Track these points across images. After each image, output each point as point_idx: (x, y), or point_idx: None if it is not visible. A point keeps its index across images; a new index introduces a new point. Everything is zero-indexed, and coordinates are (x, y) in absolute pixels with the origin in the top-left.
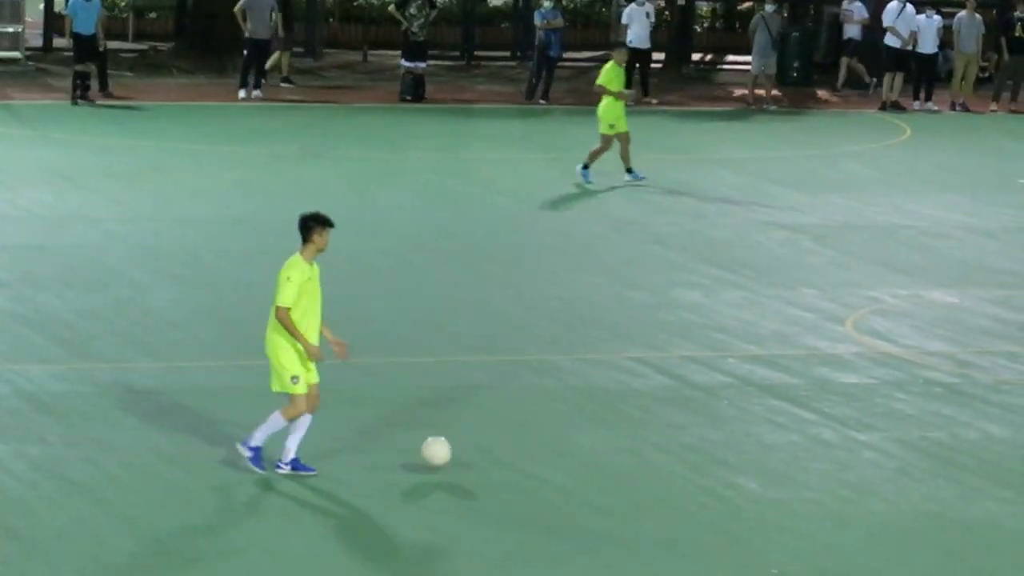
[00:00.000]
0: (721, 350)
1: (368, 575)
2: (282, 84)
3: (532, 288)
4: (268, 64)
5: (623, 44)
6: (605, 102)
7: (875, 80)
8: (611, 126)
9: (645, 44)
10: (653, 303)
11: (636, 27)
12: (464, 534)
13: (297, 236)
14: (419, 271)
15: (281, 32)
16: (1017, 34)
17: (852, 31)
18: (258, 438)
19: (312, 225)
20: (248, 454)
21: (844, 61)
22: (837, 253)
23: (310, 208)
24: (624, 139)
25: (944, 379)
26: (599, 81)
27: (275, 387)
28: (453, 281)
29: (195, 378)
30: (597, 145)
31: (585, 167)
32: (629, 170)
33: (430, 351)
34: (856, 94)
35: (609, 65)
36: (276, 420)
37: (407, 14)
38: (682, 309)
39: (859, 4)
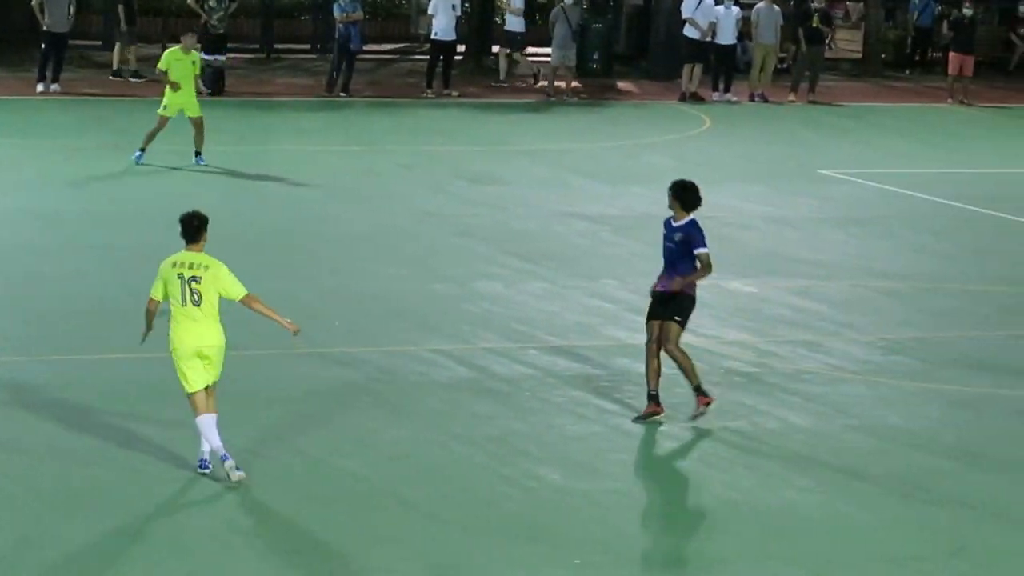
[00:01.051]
0: (523, 341)
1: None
2: (131, 79)
3: (335, 280)
4: (115, 62)
5: (193, 32)
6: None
7: (539, 70)
8: (164, 107)
9: (450, 36)
10: (456, 294)
11: (441, 18)
12: (262, 526)
13: (88, 226)
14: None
15: (124, 26)
16: (814, 25)
17: (513, 23)
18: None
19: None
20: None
21: (501, 52)
22: (638, 244)
23: (106, 201)
24: (196, 123)
25: (744, 368)
26: (159, 66)
27: (216, 376)
28: (253, 273)
29: (32, 371)
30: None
31: (141, 150)
32: (197, 153)
33: (230, 344)
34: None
35: (169, 50)
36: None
37: (206, 7)
38: (485, 300)
39: None
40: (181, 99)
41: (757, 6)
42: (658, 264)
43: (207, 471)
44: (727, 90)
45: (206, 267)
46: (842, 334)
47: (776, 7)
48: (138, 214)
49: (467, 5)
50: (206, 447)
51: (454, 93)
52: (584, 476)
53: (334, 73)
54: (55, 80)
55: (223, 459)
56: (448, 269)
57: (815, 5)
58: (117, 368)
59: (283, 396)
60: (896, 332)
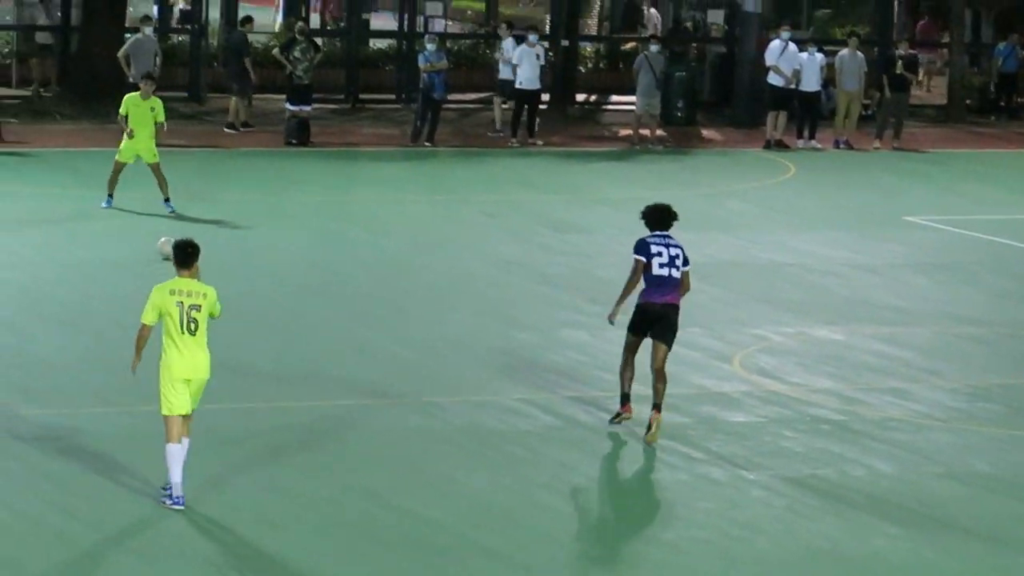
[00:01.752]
0: (608, 390)
1: None
2: (241, 129)
3: (418, 329)
4: (232, 115)
5: (151, 76)
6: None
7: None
8: (121, 152)
9: (535, 85)
10: (540, 343)
11: (526, 67)
12: (350, 574)
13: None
14: (303, 313)
15: (249, 79)
16: (898, 71)
17: (506, 72)
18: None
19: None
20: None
21: (496, 100)
22: (723, 291)
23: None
24: (155, 169)
25: (831, 416)
26: (120, 111)
27: (196, 405)
28: (338, 323)
29: (82, 424)
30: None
31: (109, 195)
32: (166, 200)
33: (313, 394)
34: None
35: (128, 96)
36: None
37: (291, 57)
38: (569, 349)
39: (511, 42)
40: (137, 145)
41: (841, 53)
42: (744, 310)
43: (179, 506)
44: (811, 137)
45: (204, 295)
46: (928, 381)
47: (860, 54)
48: (229, 265)
49: (551, 54)
50: (178, 477)
51: (538, 142)
52: (670, 524)
53: (419, 123)
54: None
55: (168, 492)
56: (531, 318)
57: (899, 52)
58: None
59: (366, 445)
60: (982, 378)
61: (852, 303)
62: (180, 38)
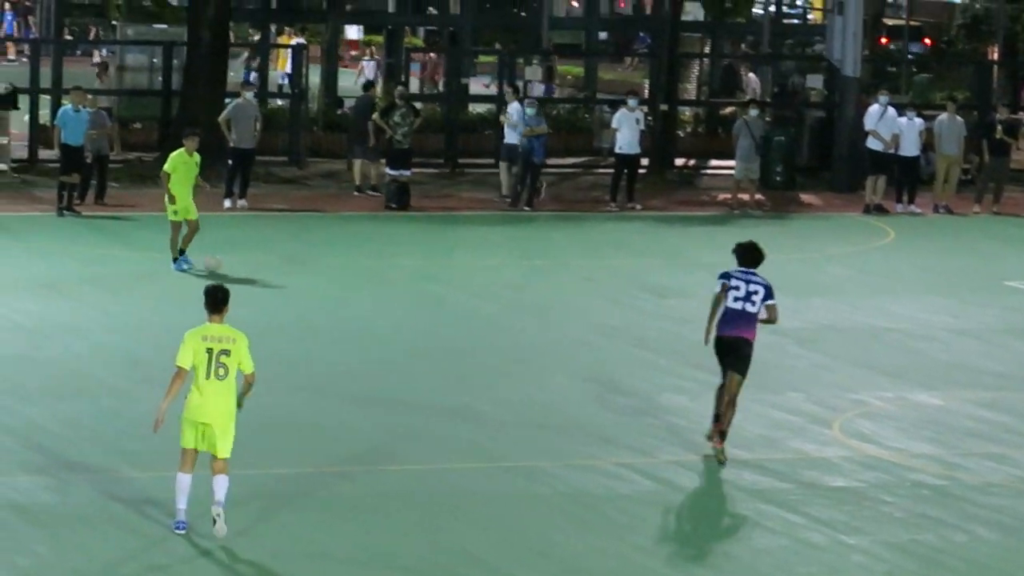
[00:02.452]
0: (709, 454)
1: None
2: (369, 192)
3: (518, 393)
4: (357, 178)
5: (196, 134)
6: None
7: (544, 183)
8: (175, 212)
9: (634, 149)
10: (639, 407)
11: (626, 131)
12: None
13: (278, 340)
14: (404, 377)
15: (371, 143)
16: (998, 136)
17: (512, 136)
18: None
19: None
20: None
21: (503, 166)
22: (822, 356)
23: (294, 316)
24: (192, 226)
25: (931, 481)
26: (165, 168)
27: (226, 452)
28: (438, 387)
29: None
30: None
31: (175, 259)
32: (182, 252)
33: (415, 458)
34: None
35: (176, 153)
36: (227, 480)
37: (391, 122)
38: (668, 413)
39: (517, 106)
40: (183, 203)
41: (940, 117)
42: (844, 375)
43: (181, 530)
44: (911, 202)
45: (234, 340)
46: None
47: (959, 118)
48: (328, 329)
49: (650, 119)
50: (182, 505)
51: (637, 206)
52: None
53: (518, 187)
54: (242, 196)
55: (179, 525)
56: (630, 382)
57: (999, 116)
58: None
59: (465, 507)
60: None
61: (951, 368)
62: (280, 103)
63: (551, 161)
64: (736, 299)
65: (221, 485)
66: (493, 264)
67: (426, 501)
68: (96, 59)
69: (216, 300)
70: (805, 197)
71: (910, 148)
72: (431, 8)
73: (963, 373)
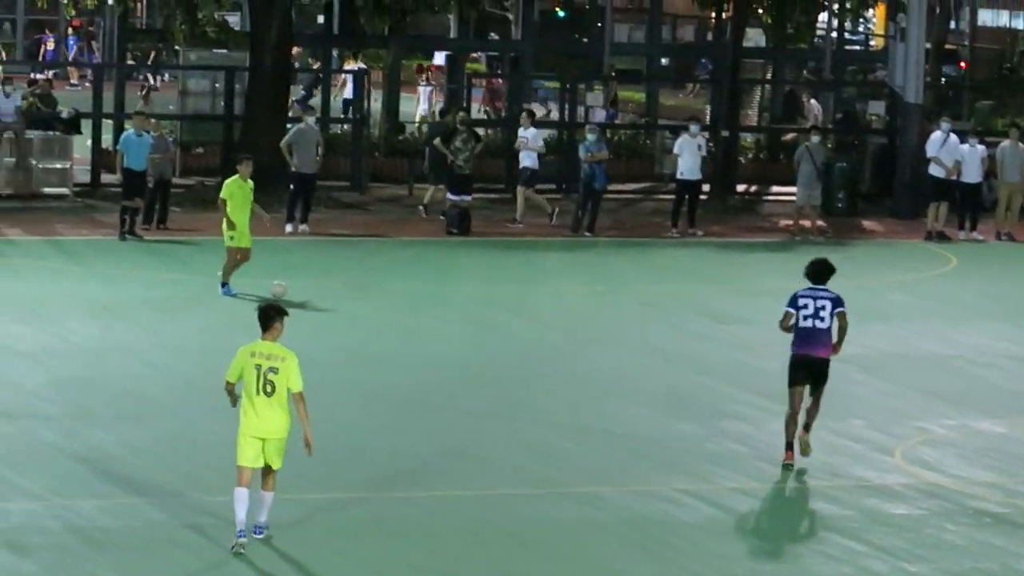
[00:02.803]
0: (770, 481)
1: None
2: (441, 216)
3: (578, 419)
4: (426, 199)
5: (249, 159)
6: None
7: (556, 209)
8: (231, 237)
9: (695, 175)
10: (700, 434)
11: (687, 157)
12: None
13: (340, 365)
14: (464, 402)
15: (445, 165)
16: None
17: (527, 159)
18: (267, 516)
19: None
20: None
21: (520, 191)
22: (884, 383)
23: (356, 341)
24: (244, 255)
25: (993, 509)
26: (221, 195)
27: (278, 463)
28: (499, 412)
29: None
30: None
31: (224, 283)
32: (224, 284)
33: (477, 484)
34: (896, 225)
35: (231, 179)
36: (271, 497)
37: (452, 147)
38: (729, 440)
39: (533, 131)
40: (241, 229)
41: (1002, 144)
42: (906, 402)
43: (242, 538)
44: (973, 229)
45: (283, 359)
46: None
47: (1022, 145)
48: (389, 354)
49: (711, 145)
50: (241, 515)
51: (699, 232)
52: None
53: (579, 212)
54: (304, 221)
55: (239, 534)
56: (691, 408)
57: None
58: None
59: (524, 533)
60: None
61: (1013, 395)
62: (342, 128)
63: (612, 187)
64: (806, 317)
65: (267, 504)
66: (554, 290)
67: (485, 526)
68: (149, 83)
69: (267, 318)
70: (867, 224)
71: (972, 175)
72: (492, 34)
73: None
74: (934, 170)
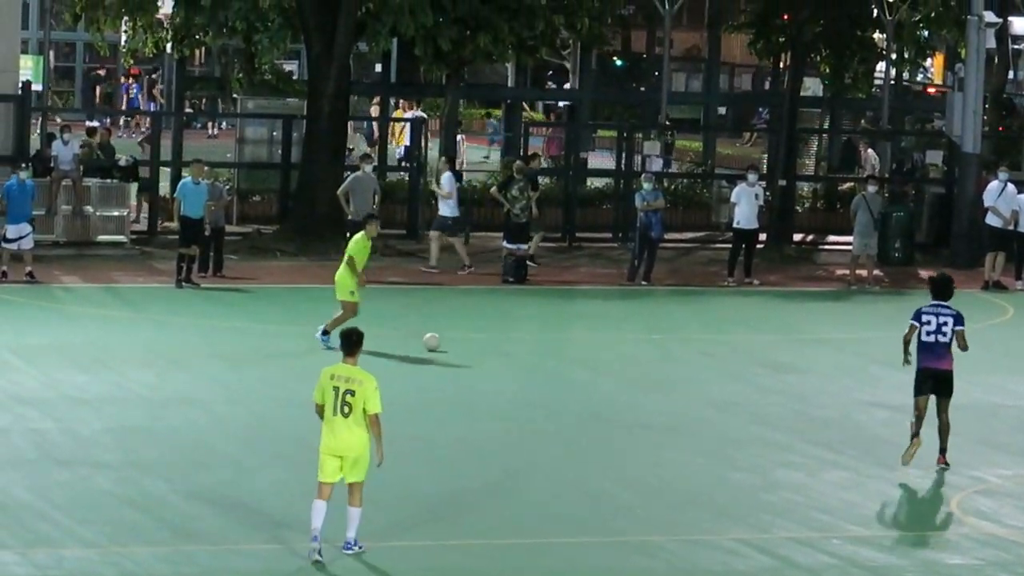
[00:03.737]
0: (825, 531)
1: None
2: (531, 263)
3: (634, 468)
4: (531, 248)
5: (375, 218)
6: (345, 270)
7: (471, 267)
8: (352, 293)
9: (752, 224)
10: (756, 483)
11: (744, 206)
12: None
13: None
14: (521, 451)
15: (536, 212)
16: None
17: (444, 207)
18: (354, 532)
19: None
20: (355, 549)
21: (434, 236)
22: None
23: (415, 389)
24: (355, 310)
25: None
26: (349, 252)
27: (357, 477)
28: (555, 461)
29: (301, 560)
30: (340, 313)
31: (325, 332)
32: (326, 332)
33: (533, 532)
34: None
35: (359, 235)
36: (359, 512)
37: (509, 196)
38: (785, 489)
39: (447, 176)
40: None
41: None
42: (962, 451)
43: (315, 543)
44: None
45: (361, 382)
46: None
47: None
48: (446, 402)
49: (768, 194)
50: (316, 524)
51: (755, 282)
52: None
53: (635, 261)
54: None
55: (313, 539)
56: (746, 458)
57: None
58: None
59: None
60: None
61: None
62: (400, 176)
63: (669, 236)
64: (928, 333)
65: (354, 518)
66: (611, 338)
67: (541, 575)
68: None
69: (349, 342)
70: (923, 273)
71: None
72: (550, 83)
73: None
74: (991, 220)
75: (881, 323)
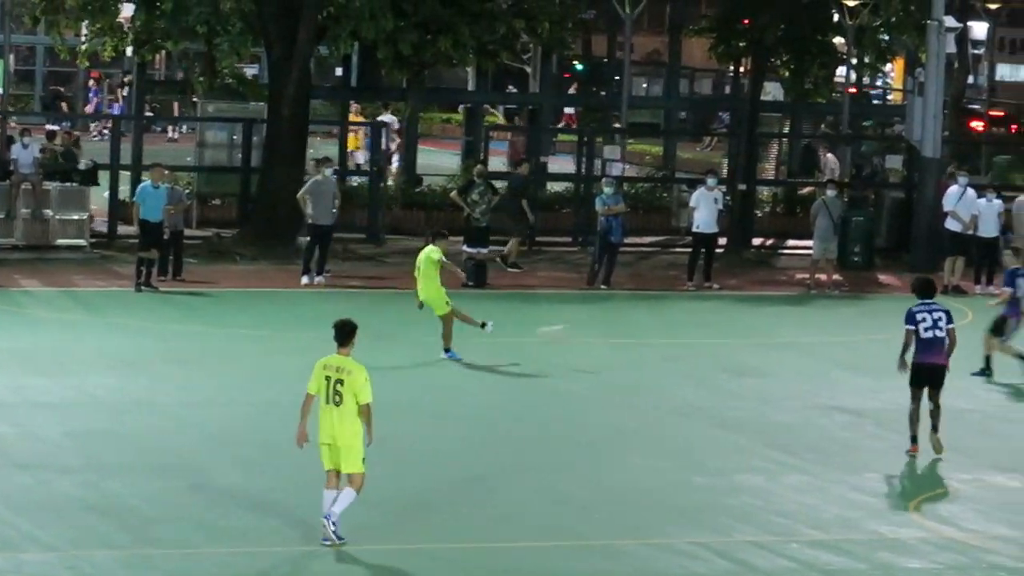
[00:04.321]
0: (784, 535)
1: None
2: (509, 269)
3: (597, 473)
4: (510, 252)
5: (444, 234)
6: (428, 285)
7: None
8: (446, 303)
9: (712, 228)
10: (716, 487)
11: (703, 210)
12: None
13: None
14: (485, 455)
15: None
16: None
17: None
18: (338, 513)
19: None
20: (332, 527)
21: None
22: (901, 437)
23: (376, 393)
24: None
25: (1008, 563)
26: (424, 268)
27: (350, 468)
28: (518, 466)
29: (263, 564)
30: (444, 327)
31: (447, 350)
32: (447, 349)
33: (496, 536)
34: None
35: (430, 250)
36: (351, 494)
37: (469, 200)
38: (745, 494)
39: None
40: (440, 296)
41: (1019, 199)
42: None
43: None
44: (989, 283)
45: (351, 372)
46: None
47: None
48: (405, 406)
49: (728, 197)
50: (326, 508)
51: (715, 286)
52: None
53: (595, 265)
54: (319, 272)
55: (326, 517)
56: (708, 462)
57: None
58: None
59: None
60: None
61: None
62: (359, 180)
63: (629, 240)
64: (926, 329)
65: (343, 498)
66: (572, 343)
67: None
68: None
69: (342, 333)
70: (883, 277)
71: (989, 229)
72: (511, 87)
73: None
74: (951, 224)
75: (841, 327)
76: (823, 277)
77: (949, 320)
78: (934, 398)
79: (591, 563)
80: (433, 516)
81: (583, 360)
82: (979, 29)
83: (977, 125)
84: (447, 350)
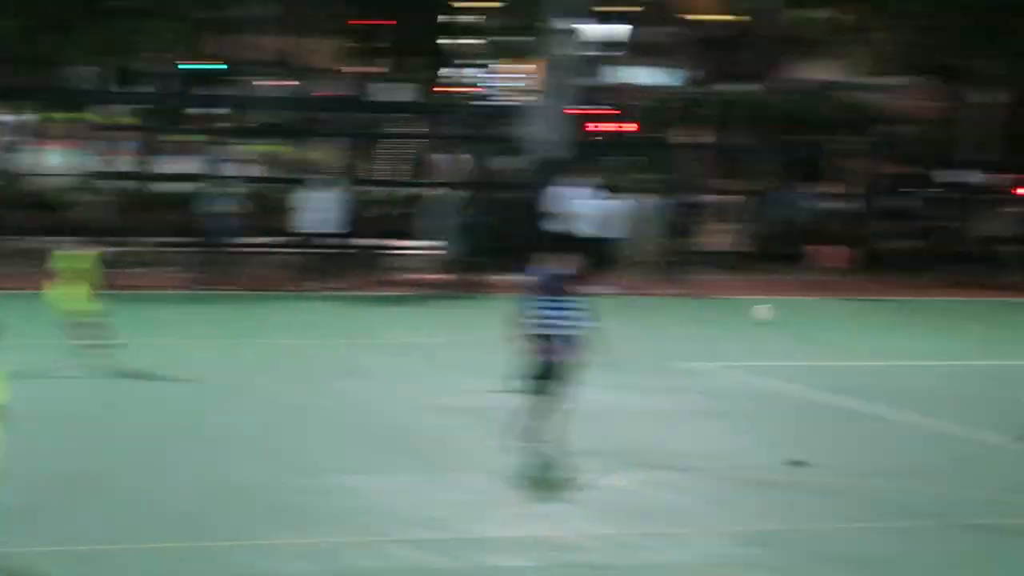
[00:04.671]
0: (383, 535)
1: None
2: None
3: (195, 475)
4: None
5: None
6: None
7: None
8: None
9: (322, 228)
10: (314, 488)
11: (312, 211)
12: None
13: None
14: (78, 461)
15: None
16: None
17: None
18: None
19: None
20: None
21: None
22: (508, 436)
23: None
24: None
25: (598, 560)
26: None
27: None
28: (115, 469)
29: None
30: None
31: None
32: None
33: (92, 540)
34: None
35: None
36: None
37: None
38: (346, 494)
39: None
40: None
41: (629, 200)
42: (524, 455)
43: None
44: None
45: None
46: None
47: (645, 201)
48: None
49: (339, 197)
50: None
51: (326, 285)
52: None
53: (206, 265)
54: None
55: None
56: (306, 462)
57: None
58: None
59: None
60: (759, 524)
61: (633, 450)
62: None
63: (237, 240)
64: (547, 326)
65: None
66: (179, 344)
67: None
68: None
69: None
70: (495, 278)
71: (602, 229)
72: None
73: (643, 455)
74: (561, 224)
75: (449, 327)
76: (434, 277)
77: (582, 318)
78: (550, 395)
79: (191, 564)
80: (24, 522)
81: (187, 361)
82: (602, 31)
83: (600, 126)
84: None
